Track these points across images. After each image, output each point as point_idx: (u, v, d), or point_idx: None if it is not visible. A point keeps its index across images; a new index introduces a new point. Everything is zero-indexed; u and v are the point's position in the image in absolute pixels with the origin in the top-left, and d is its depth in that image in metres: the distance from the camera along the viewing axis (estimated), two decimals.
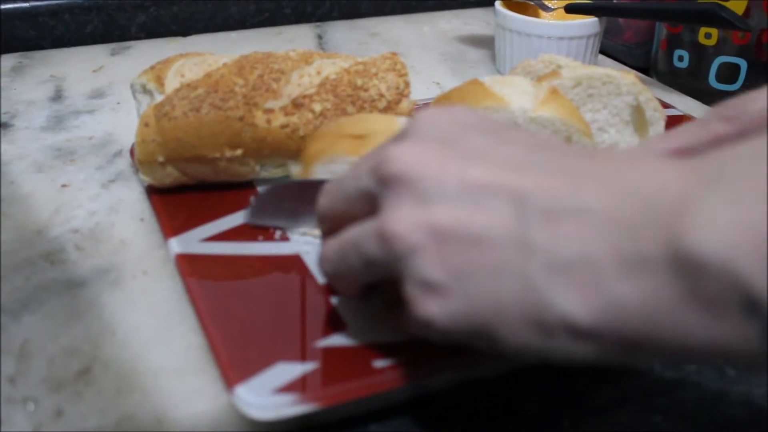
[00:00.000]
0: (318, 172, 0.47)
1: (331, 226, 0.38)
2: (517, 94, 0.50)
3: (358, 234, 0.34)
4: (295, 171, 0.54)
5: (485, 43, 0.93)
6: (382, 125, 0.46)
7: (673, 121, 0.57)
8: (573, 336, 0.28)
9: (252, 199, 0.50)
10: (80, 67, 0.84)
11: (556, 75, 0.55)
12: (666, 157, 0.28)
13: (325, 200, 0.38)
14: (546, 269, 0.28)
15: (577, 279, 0.27)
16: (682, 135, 0.43)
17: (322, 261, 0.38)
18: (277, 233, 0.49)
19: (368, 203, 0.34)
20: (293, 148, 0.52)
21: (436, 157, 0.31)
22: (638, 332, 0.26)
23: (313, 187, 0.44)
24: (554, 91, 0.50)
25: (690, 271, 0.24)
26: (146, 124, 0.51)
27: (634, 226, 0.26)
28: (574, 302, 0.27)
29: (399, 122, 0.46)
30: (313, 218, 0.46)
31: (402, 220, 0.31)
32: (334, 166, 0.46)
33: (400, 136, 0.34)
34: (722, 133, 0.41)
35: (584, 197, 0.28)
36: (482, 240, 0.29)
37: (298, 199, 0.48)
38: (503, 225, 0.29)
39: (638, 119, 0.57)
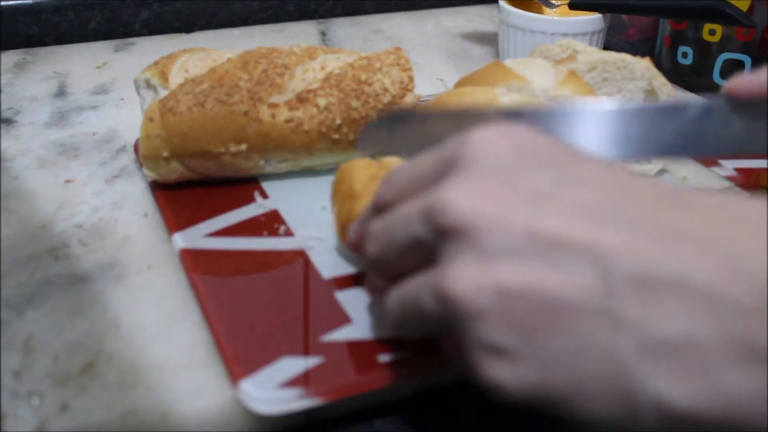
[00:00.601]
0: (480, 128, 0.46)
1: (383, 270, 0.34)
2: (537, 74, 0.51)
3: (417, 290, 0.31)
4: (306, 164, 0.54)
5: (489, 39, 0.93)
6: (483, 99, 0.47)
7: None
8: (666, 419, 0.25)
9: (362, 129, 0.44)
10: (83, 63, 0.84)
11: (573, 59, 0.56)
12: None
13: (373, 247, 0.34)
14: (639, 348, 0.25)
15: (677, 362, 0.25)
16: None
17: (386, 311, 0.34)
18: (282, 228, 0.49)
19: (423, 251, 0.31)
20: (298, 142, 0.52)
21: (499, 203, 0.28)
22: (744, 422, 0.24)
23: (427, 119, 0.41)
24: (573, 73, 0.51)
25: None
26: (151, 120, 0.51)
27: (746, 311, 0.24)
28: (673, 386, 0.25)
29: (499, 95, 0.47)
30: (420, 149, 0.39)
31: (464, 279, 0.28)
32: None
33: (453, 169, 0.30)
34: None
35: (682, 264, 0.25)
36: (560, 305, 0.26)
37: (410, 128, 0.43)
38: (584, 290, 0.26)
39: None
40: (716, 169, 0.60)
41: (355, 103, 0.52)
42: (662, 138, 0.38)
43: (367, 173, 0.44)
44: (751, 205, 0.26)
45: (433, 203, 0.29)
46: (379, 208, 0.35)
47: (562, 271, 0.26)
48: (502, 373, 0.28)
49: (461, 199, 0.28)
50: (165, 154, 0.51)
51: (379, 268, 0.34)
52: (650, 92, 0.57)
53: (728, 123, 0.38)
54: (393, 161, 0.45)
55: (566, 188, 0.28)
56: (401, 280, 0.32)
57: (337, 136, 0.52)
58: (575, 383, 0.27)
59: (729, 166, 0.60)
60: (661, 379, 0.25)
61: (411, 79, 0.54)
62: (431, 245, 0.30)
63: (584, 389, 0.26)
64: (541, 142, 0.31)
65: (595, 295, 0.26)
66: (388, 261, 0.33)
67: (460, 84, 0.55)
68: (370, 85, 0.53)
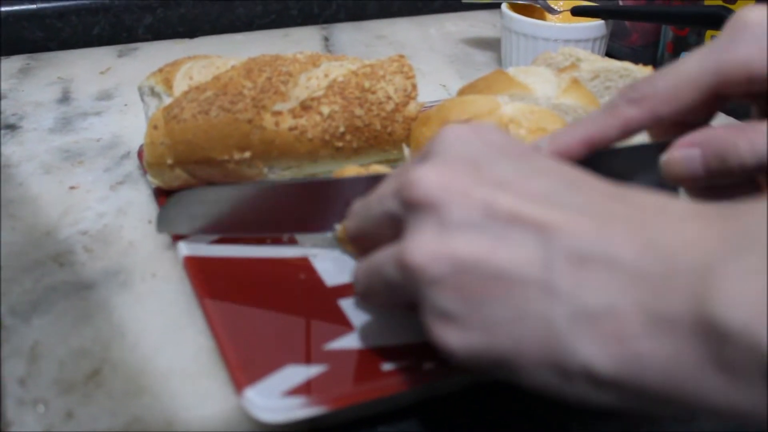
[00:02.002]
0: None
1: (362, 246, 0.38)
2: (540, 82, 0.51)
3: (382, 259, 0.34)
4: (309, 172, 0.55)
5: (492, 45, 0.94)
6: (486, 108, 0.47)
7: None
8: (593, 383, 0.28)
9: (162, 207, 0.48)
10: (87, 68, 0.84)
11: (575, 68, 0.56)
12: (693, 208, 0.28)
13: (353, 222, 0.38)
14: (570, 316, 0.27)
15: (601, 330, 0.27)
16: (592, 124, 0.39)
17: (354, 282, 0.38)
18: (285, 236, 0.50)
19: (394, 226, 0.34)
20: (301, 150, 0.52)
21: (462, 182, 0.31)
22: (659, 388, 0.26)
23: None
24: (575, 81, 0.51)
25: (713, 337, 0.24)
26: (155, 127, 0.51)
27: (660, 284, 0.26)
28: (597, 353, 0.27)
29: (502, 104, 0.47)
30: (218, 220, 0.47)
31: (423, 248, 0.30)
32: None
33: (426, 156, 0.33)
34: (633, 117, 0.38)
35: (611, 244, 0.27)
36: (505, 276, 0.29)
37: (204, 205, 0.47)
38: (528, 263, 0.29)
39: None
40: None
41: (358, 111, 0.52)
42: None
43: None
44: (676, 202, 0.29)
45: (403, 181, 0.32)
46: None
47: (509, 245, 0.29)
48: (451, 337, 0.30)
49: (429, 176, 0.31)
50: (169, 161, 0.51)
51: (358, 244, 0.38)
52: None
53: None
54: (379, 168, 0.47)
55: (524, 176, 0.31)
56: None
57: (340, 144, 0.53)
58: (515, 348, 0.29)
59: None
60: (588, 346, 0.27)
61: (414, 86, 0.54)
62: (401, 220, 0.33)
63: (523, 354, 0.29)
64: (506, 138, 0.34)
65: (536, 267, 0.28)
66: (365, 236, 0.37)
67: (462, 92, 0.55)
68: (373, 93, 0.53)
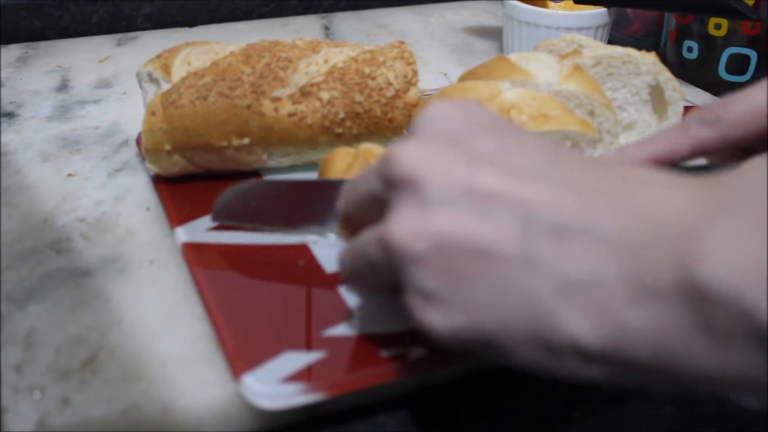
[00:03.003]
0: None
1: (351, 228, 0.37)
2: (542, 69, 0.51)
3: (366, 239, 0.33)
4: (309, 159, 0.54)
5: (493, 34, 0.93)
6: (487, 94, 0.47)
7: (682, 113, 0.57)
8: (581, 357, 0.27)
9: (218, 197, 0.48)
10: (86, 57, 0.83)
11: (578, 54, 0.55)
12: (677, 179, 0.28)
13: (341, 203, 0.37)
14: (553, 289, 0.27)
15: (585, 302, 0.27)
16: (664, 141, 0.41)
17: (339, 264, 0.37)
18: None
19: (378, 206, 0.33)
20: (301, 136, 0.52)
21: (443, 160, 0.30)
22: (647, 358, 0.26)
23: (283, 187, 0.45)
24: (578, 67, 0.51)
25: (699, 302, 0.24)
26: (153, 113, 0.51)
27: (643, 252, 0.26)
28: (582, 325, 0.27)
29: (503, 90, 0.47)
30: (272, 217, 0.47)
31: (404, 226, 0.30)
32: None
33: (409, 134, 0.33)
34: (704, 137, 0.40)
35: (594, 216, 0.27)
36: (486, 253, 0.28)
37: (268, 198, 0.47)
38: (509, 238, 0.28)
39: (658, 99, 0.57)
40: None
41: (358, 97, 0.52)
42: None
43: (344, 162, 0.46)
44: (660, 173, 0.29)
45: (385, 159, 0.32)
46: None
47: (490, 221, 0.29)
48: (434, 318, 0.30)
49: (410, 153, 0.31)
50: (167, 147, 0.51)
51: (348, 226, 0.37)
52: (656, 87, 0.57)
53: None
54: (370, 148, 0.46)
55: (505, 152, 0.30)
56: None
57: (340, 130, 0.52)
58: (500, 325, 0.29)
59: None
60: (573, 319, 0.27)
61: (415, 72, 0.53)
62: (384, 198, 0.32)
63: (508, 331, 0.29)
64: (488, 114, 0.33)
65: (518, 242, 0.28)
66: (352, 216, 0.36)
67: (463, 78, 0.54)
68: (373, 79, 0.52)
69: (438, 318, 0.30)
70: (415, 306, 0.31)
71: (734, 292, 0.23)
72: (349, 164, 0.46)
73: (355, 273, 0.36)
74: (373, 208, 0.34)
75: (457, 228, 0.29)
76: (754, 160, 0.27)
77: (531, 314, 0.28)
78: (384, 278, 0.33)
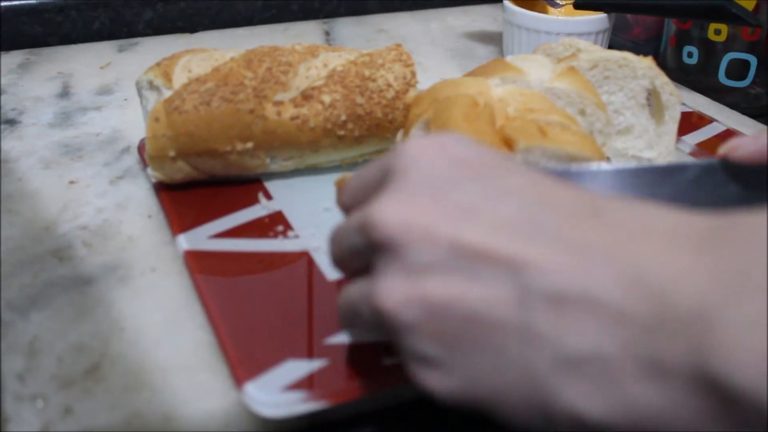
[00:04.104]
0: (415, 136, 0.47)
1: (346, 271, 0.36)
2: (536, 68, 0.51)
3: (356, 299, 0.32)
4: (311, 162, 0.54)
5: (494, 39, 0.93)
6: (475, 89, 0.47)
7: (682, 118, 0.57)
8: (581, 427, 0.26)
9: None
10: (87, 63, 0.84)
11: (575, 57, 0.55)
12: (678, 228, 0.26)
13: (330, 250, 0.36)
14: (552, 363, 0.26)
15: (587, 376, 0.26)
16: None
17: (339, 316, 0.36)
18: (286, 230, 0.49)
19: (366, 258, 0.32)
20: (303, 139, 0.52)
21: (425, 218, 0.29)
22: (653, 429, 0.25)
23: None
24: (572, 68, 0.51)
25: (715, 393, 0.23)
26: (156, 119, 0.51)
27: (651, 327, 0.24)
28: (583, 398, 0.26)
29: (493, 86, 0.47)
30: None
31: (392, 294, 0.29)
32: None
33: (388, 180, 0.31)
34: None
35: (592, 282, 0.26)
36: (481, 318, 0.27)
37: None
38: (503, 304, 0.27)
39: (655, 103, 0.57)
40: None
41: (359, 99, 0.52)
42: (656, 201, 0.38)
43: (462, 112, 0.44)
44: (659, 216, 0.27)
45: (366, 217, 0.30)
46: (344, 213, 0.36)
47: (482, 285, 0.27)
48: (431, 380, 0.29)
49: (389, 214, 0.29)
50: (171, 153, 0.51)
51: (340, 269, 0.36)
52: (653, 92, 0.57)
53: (724, 187, 0.37)
54: (494, 96, 0.45)
55: (491, 201, 0.29)
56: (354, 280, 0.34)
57: (342, 133, 0.52)
58: (496, 393, 0.28)
59: None
60: (574, 393, 0.26)
61: (413, 74, 0.54)
62: (368, 255, 0.31)
63: (504, 399, 0.28)
64: (473, 151, 0.31)
65: (512, 309, 0.27)
66: (344, 265, 0.35)
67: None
68: (373, 81, 0.53)
69: (435, 381, 0.29)
70: (412, 369, 0.30)
71: (753, 389, 0.22)
72: (466, 114, 0.45)
73: (350, 324, 0.35)
74: (359, 259, 0.33)
75: (448, 293, 0.28)
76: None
77: (528, 386, 0.27)
78: (380, 334, 0.32)
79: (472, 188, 0.29)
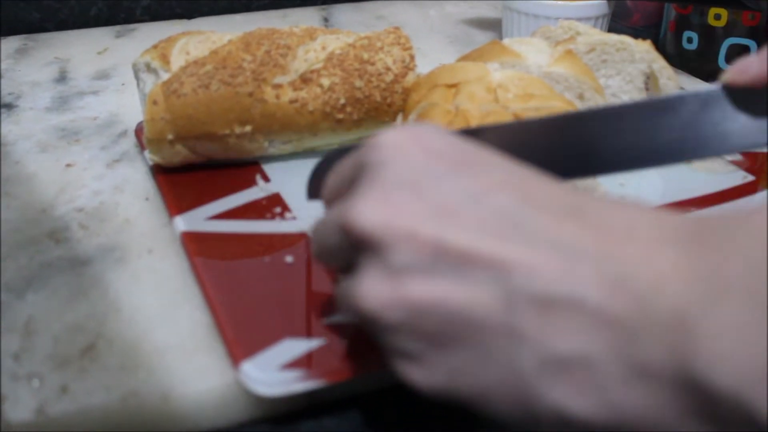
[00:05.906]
0: (413, 121, 0.47)
1: (329, 265, 0.36)
2: (533, 52, 0.51)
3: (344, 296, 0.32)
4: (309, 145, 0.54)
5: (493, 25, 0.93)
6: (474, 74, 0.46)
7: None
8: (566, 425, 0.27)
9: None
10: (85, 49, 0.83)
11: (573, 41, 0.55)
12: (662, 229, 0.26)
13: (312, 247, 0.36)
14: (538, 363, 0.26)
15: (573, 378, 0.26)
16: None
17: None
18: (283, 211, 0.49)
19: (349, 254, 0.31)
20: (302, 123, 0.52)
21: (406, 218, 0.28)
22: (639, 429, 0.25)
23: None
24: (569, 52, 0.51)
25: (697, 394, 0.23)
26: (155, 102, 0.50)
27: (635, 330, 0.25)
28: (569, 399, 0.26)
29: (491, 71, 0.47)
30: None
31: (374, 294, 0.29)
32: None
33: (363, 175, 0.31)
34: None
35: (577, 284, 0.26)
36: (465, 319, 0.27)
37: None
38: (489, 306, 0.27)
39: (653, 87, 0.57)
40: None
41: (358, 83, 0.52)
42: (655, 143, 0.36)
43: (445, 120, 0.45)
44: (642, 217, 0.27)
45: (344, 216, 0.30)
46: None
47: (467, 286, 0.27)
48: (414, 375, 0.29)
49: (368, 212, 0.29)
50: (170, 136, 0.51)
51: (323, 264, 0.36)
52: (650, 75, 0.56)
53: (730, 116, 0.36)
54: (469, 109, 0.46)
55: (472, 199, 0.28)
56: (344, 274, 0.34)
57: (341, 116, 0.52)
58: (479, 390, 0.28)
59: None
60: (560, 393, 0.26)
61: (412, 57, 0.54)
62: (351, 252, 0.31)
63: (488, 396, 0.28)
64: (449, 143, 0.31)
65: (498, 310, 0.27)
66: (327, 260, 0.35)
67: (459, 61, 0.54)
68: (372, 64, 0.52)
69: (419, 376, 0.29)
70: (395, 363, 0.30)
71: (734, 392, 0.22)
72: (449, 122, 0.45)
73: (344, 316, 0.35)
74: (342, 256, 0.32)
75: (433, 295, 0.28)
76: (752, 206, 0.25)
77: (513, 384, 0.27)
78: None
79: (452, 184, 0.29)
